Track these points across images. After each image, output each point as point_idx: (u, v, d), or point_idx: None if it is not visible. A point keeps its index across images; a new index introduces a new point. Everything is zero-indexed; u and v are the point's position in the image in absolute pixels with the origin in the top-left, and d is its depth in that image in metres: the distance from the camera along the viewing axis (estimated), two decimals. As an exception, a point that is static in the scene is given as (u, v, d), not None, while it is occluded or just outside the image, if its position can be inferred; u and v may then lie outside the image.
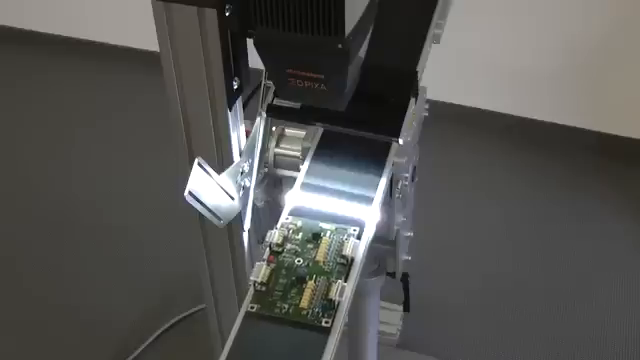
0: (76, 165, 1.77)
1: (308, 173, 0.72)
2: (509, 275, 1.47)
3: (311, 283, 0.61)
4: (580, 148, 1.74)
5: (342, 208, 0.68)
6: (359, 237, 0.65)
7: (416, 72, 0.69)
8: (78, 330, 1.39)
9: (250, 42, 0.60)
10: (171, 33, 0.63)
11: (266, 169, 0.77)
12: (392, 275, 0.88)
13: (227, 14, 0.61)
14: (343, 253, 0.62)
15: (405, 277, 0.95)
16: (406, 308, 1.06)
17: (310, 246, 0.64)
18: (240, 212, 0.72)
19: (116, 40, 2.07)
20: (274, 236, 0.64)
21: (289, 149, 0.76)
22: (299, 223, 0.66)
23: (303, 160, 0.73)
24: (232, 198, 0.70)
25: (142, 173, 1.72)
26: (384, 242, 0.80)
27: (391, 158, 0.71)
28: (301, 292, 0.60)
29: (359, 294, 0.89)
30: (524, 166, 1.71)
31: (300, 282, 0.61)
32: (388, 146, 0.71)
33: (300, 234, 0.65)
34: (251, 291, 0.61)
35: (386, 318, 1.30)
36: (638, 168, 1.70)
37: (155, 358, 1.35)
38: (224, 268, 0.78)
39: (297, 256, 0.63)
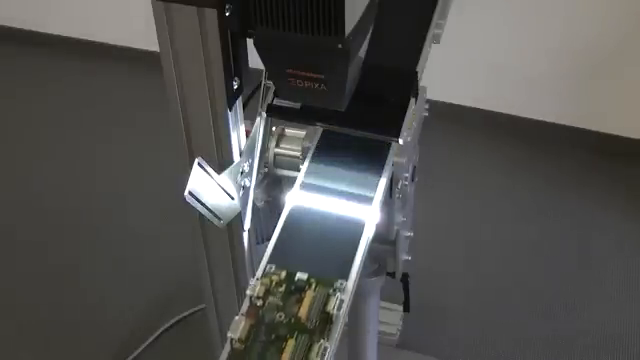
0: (76, 165, 1.77)
1: (308, 173, 0.72)
2: (509, 275, 1.47)
3: (291, 342, 0.56)
4: (580, 148, 1.74)
5: (342, 208, 0.68)
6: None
7: (416, 72, 0.68)
8: (78, 330, 1.39)
9: (250, 42, 0.60)
10: (171, 33, 0.63)
11: (266, 169, 0.77)
12: (392, 275, 0.88)
13: (227, 14, 0.60)
14: (327, 310, 0.58)
15: (405, 277, 0.95)
16: (406, 308, 1.06)
17: (293, 299, 0.59)
18: (240, 212, 0.72)
19: (116, 40, 2.08)
20: (255, 289, 0.59)
21: (289, 149, 0.76)
22: (282, 274, 0.61)
23: (303, 160, 0.73)
24: (232, 198, 0.70)
25: (142, 173, 1.72)
26: (384, 242, 0.80)
27: (391, 158, 0.71)
28: (280, 351, 0.56)
29: (359, 294, 0.89)
30: (525, 166, 1.71)
31: (280, 341, 0.56)
32: (388, 146, 0.71)
33: (283, 286, 0.60)
34: (227, 347, 0.56)
35: (386, 318, 1.30)
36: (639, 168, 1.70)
37: (155, 358, 1.35)
38: (224, 268, 0.78)
39: (279, 311, 0.58)
